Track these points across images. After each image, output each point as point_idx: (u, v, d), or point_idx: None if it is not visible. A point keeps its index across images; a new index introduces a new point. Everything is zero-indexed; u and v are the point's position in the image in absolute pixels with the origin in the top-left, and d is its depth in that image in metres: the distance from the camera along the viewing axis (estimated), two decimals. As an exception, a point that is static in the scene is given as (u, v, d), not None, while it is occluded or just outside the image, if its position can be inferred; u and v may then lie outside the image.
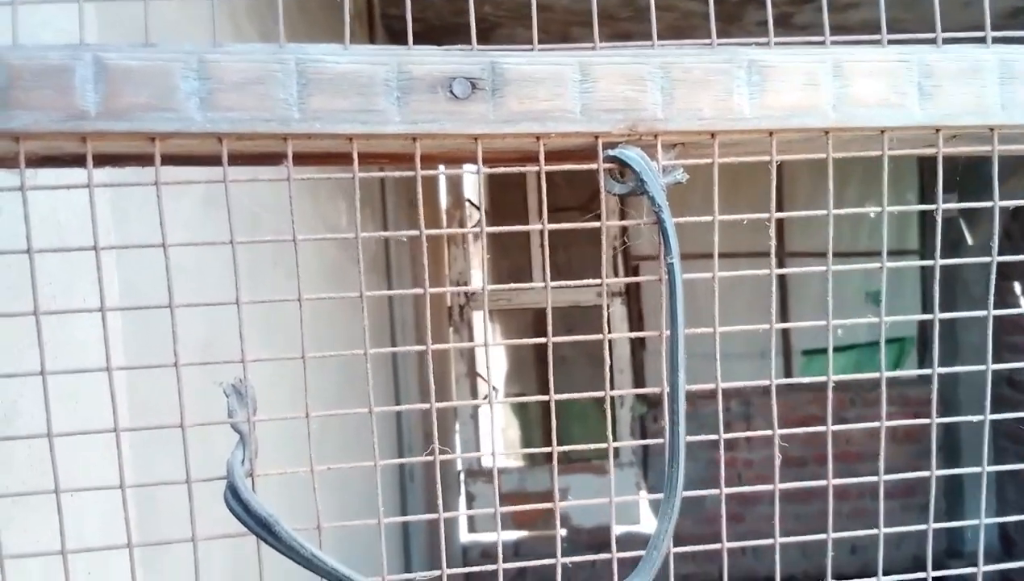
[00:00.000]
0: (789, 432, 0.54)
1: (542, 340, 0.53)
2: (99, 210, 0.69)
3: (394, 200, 2.87)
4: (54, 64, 0.46)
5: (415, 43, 0.49)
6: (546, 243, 0.55)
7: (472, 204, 5.29)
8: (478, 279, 5.41)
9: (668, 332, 0.51)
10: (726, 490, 0.56)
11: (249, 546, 0.58)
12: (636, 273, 4.90)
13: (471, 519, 5.02)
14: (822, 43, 0.50)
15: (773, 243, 0.53)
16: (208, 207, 1.26)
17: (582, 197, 4.51)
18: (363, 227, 0.51)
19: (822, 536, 0.57)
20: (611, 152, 0.50)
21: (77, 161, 0.52)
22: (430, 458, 0.52)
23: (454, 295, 4.79)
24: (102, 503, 0.85)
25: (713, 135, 0.50)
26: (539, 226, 0.53)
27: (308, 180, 0.51)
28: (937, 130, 0.51)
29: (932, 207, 0.54)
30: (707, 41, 0.50)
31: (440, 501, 0.53)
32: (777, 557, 0.55)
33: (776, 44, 0.50)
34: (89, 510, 0.85)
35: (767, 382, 0.55)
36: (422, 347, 0.53)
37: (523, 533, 4.99)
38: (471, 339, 5.16)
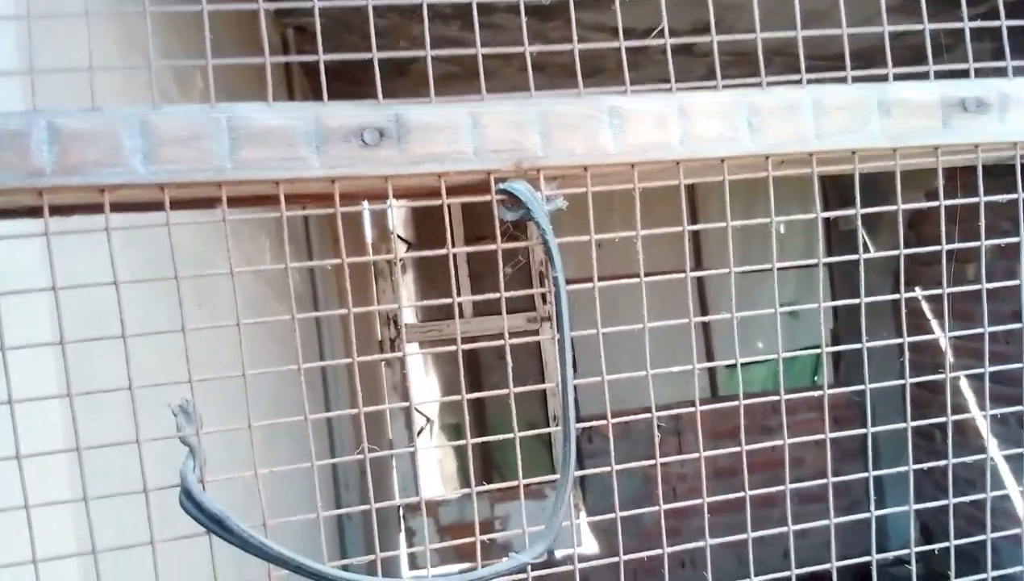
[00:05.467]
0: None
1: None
2: (29, 259, 0.76)
3: (318, 237, 2.93)
4: (13, 129, 0.53)
5: (346, 86, 0.57)
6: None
7: (399, 237, 5.36)
8: (408, 312, 5.46)
9: (558, 335, 0.61)
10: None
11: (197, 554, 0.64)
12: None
13: (412, 556, 5.01)
14: (669, 89, 0.61)
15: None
16: (125, 249, 1.31)
17: (504, 225, 4.63)
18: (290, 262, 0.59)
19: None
20: (502, 185, 0.60)
21: (30, 213, 0.58)
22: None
23: (384, 328, 4.83)
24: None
25: (585, 169, 0.60)
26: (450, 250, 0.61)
27: (233, 221, 0.58)
28: (767, 157, 0.62)
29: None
30: (576, 91, 0.60)
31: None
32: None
33: (631, 92, 0.60)
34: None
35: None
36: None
37: (466, 565, 5.01)
38: (404, 372, 5.19)
